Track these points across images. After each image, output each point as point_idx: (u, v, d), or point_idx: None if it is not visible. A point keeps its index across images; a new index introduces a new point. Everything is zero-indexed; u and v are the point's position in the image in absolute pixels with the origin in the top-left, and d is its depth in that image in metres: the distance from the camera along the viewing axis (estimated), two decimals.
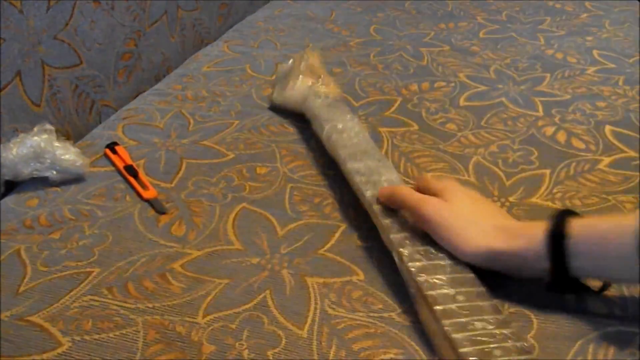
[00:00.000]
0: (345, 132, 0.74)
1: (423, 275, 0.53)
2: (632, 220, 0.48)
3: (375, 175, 0.66)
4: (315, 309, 0.56)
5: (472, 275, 0.54)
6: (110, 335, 0.53)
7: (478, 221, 0.56)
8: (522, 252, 0.53)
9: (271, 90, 0.95)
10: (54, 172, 0.72)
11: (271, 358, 0.51)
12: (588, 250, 0.51)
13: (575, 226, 0.51)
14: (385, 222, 0.59)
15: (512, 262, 0.54)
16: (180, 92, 0.96)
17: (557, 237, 0.51)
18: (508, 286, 0.58)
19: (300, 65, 0.91)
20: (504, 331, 0.48)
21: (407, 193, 0.60)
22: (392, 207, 0.61)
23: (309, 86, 0.87)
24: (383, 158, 0.70)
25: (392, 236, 0.57)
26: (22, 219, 0.68)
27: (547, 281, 0.53)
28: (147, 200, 0.70)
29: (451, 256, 0.55)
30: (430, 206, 0.57)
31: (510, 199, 0.72)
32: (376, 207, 0.61)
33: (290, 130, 0.86)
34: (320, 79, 0.89)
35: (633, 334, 0.53)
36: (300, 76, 0.89)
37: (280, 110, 0.90)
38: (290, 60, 0.96)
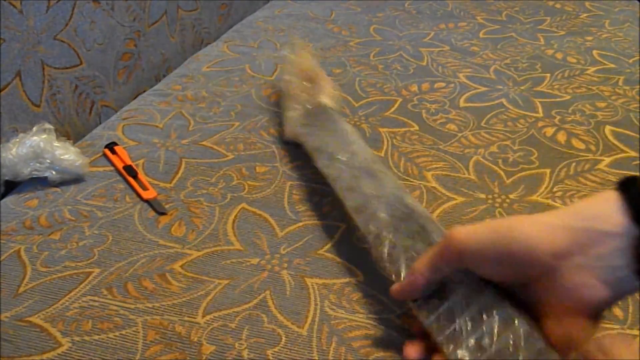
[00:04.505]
0: (337, 162, 0.67)
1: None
2: None
3: (374, 203, 0.59)
4: (315, 309, 0.56)
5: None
6: (110, 335, 0.53)
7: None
8: (588, 205, 0.40)
9: (271, 90, 0.95)
10: (54, 172, 0.72)
11: (271, 357, 0.51)
12: None
13: None
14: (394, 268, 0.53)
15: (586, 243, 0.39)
16: (180, 93, 0.96)
17: (628, 182, 0.39)
18: None
19: (291, 85, 0.84)
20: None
21: (422, 255, 0.48)
22: (419, 284, 0.47)
23: (300, 110, 0.79)
24: (380, 172, 0.64)
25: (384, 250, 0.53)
26: (22, 220, 0.68)
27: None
28: (147, 201, 0.70)
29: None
30: (457, 227, 0.45)
31: (511, 196, 0.72)
32: (380, 246, 0.55)
33: None
34: (314, 84, 0.82)
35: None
36: (290, 110, 0.81)
37: (279, 106, 0.90)
38: (285, 75, 0.88)
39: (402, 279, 0.50)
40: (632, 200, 0.38)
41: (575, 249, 0.39)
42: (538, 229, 0.40)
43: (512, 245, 0.40)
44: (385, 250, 0.54)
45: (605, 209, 0.39)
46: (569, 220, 0.39)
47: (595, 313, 0.41)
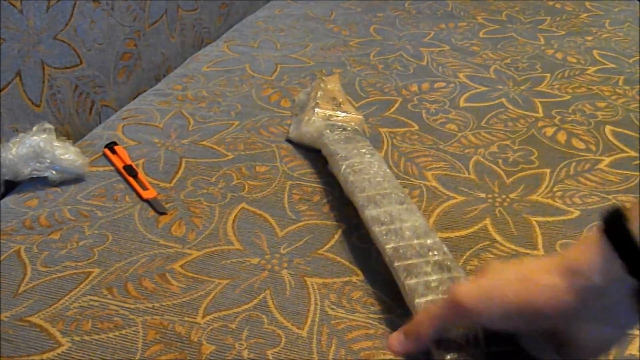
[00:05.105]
0: (363, 171, 0.66)
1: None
2: None
3: (397, 223, 0.58)
4: (315, 309, 0.56)
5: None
6: (110, 335, 0.53)
7: (528, 263, 0.45)
8: (583, 260, 0.40)
9: (271, 90, 0.95)
10: (54, 172, 0.72)
11: (271, 358, 0.51)
12: None
13: (631, 207, 0.39)
14: (408, 283, 0.52)
15: (589, 282, 0.40)
16: (180, 92, 0.96)
17: (615, 221, 0.39)
18: None
19: (317, 94, 0.84)
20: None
21: (426, 312, 0.48)
22: (423, 343, 0.48)
23: (325, 118, 0.79)
24: (406, 199, 0.62)
25: (417, 301, 0.51)
26: (22, 219, 0.68)
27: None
28: (147, 201, 0.70)
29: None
30: (460, 287, 0.45)
31: (511, 195, 0.72)
32: (398, 265, 0.53)
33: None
34: (339, 107, 0.82)
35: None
36: (316, 109, 0.81)
37: (278, 106, 0.90)
38: (308, 88, 0.89)
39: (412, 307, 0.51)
40: (623, 251, 0.38)
41: (583, 307, 0.40)
42: (548, 296, 0.41)
43: (523, 314, 0.42)
44: (404, 264, 0.53)
45: (601, 263, 0.39)
46: (573, 279, 0.40)
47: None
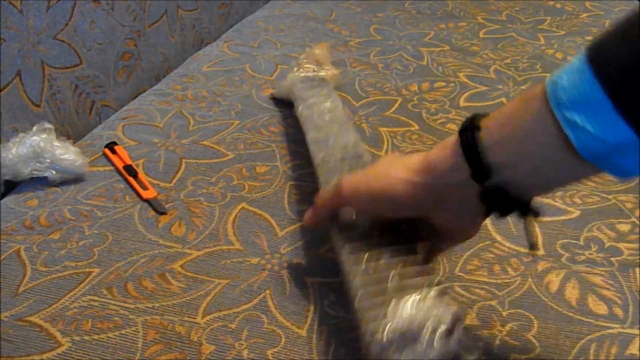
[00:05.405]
0: (315, 108, 0.76)
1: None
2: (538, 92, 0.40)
3: (331, 140, 0.67)
4: (315, 309, 0.56)
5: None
6: (110, 335, 0.53)
7: (398, 160, 0.51)
8: (439, 159, 0.46)
9: (271, 89, 0.95)
10: (54, 172, 0.72)
11: (271, 358, 0.51)
12: (499, 130, 0.42)
13: (486, 118, 0.44)
14: (328, 185, 0.59)
15: (437, 179, 0.46)
16: (180, 92, 0.96)
17: (467, 127, 0.44)
18: (507, 286, 0.58)
19: (301, 57, 0.91)
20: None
21: (323, 192, 0.56)
22: (323, 217, 0.56)
23: (302, 74, 0.87)
24: (348, 124, 0.71)
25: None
26: (21, 219, 0.68)
27: (479, 191, 0.44)
28: (147, 201, 0.70)
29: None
30: (345, 177, 0.53)
31: None
32: (323, 170, 0.62)
33: (290, 130, 0.86)
34: (320, 67, 0.89)
35: (634, 335, 0.53)
36: (295, 67, 0.88)
37: (279, 104, 0.91)
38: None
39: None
40: (470, 158, 0.43)
41: (437, 202, 0.47)
42: (403, 189, 0.47)
43: (385, 203, 0.49)
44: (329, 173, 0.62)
45: (452, 165, 0.45)
46: (427, 177, 0.46)
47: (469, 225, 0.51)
